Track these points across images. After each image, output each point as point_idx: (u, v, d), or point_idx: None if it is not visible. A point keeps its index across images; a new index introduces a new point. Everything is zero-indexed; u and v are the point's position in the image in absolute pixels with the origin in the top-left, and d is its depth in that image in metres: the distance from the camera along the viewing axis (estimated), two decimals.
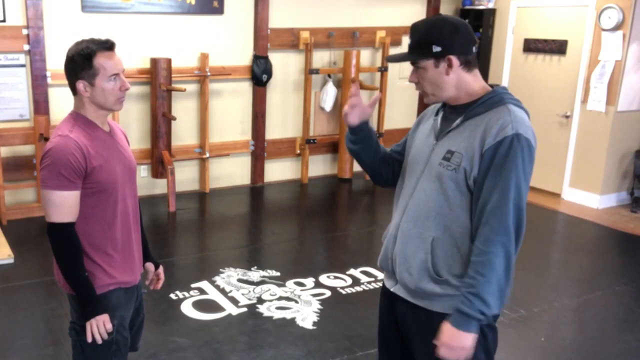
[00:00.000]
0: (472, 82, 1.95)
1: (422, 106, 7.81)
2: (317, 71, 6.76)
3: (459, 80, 1.93)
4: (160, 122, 5.94)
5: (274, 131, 6.92)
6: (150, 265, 2.47)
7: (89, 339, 2.11)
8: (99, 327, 2.11)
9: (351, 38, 7.01)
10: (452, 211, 1.92)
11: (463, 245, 1.91)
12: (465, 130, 1.91)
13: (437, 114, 2.06)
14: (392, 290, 2.09)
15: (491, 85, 1.99)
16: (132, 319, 2.37)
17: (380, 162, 2.18)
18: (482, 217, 1.85)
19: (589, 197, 6.58)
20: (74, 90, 2.12)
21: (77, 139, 2.05)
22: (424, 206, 1.97)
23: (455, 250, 1.92)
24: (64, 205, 2.04)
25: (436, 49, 1.89)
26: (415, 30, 1.95)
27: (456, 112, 1.97)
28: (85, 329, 2.11)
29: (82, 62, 2.05)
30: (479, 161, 1.85)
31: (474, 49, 1.95)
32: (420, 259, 1.96)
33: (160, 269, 2.51)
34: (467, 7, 7.60)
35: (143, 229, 2.41)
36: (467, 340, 1.83)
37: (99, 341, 2.12)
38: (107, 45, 2.08)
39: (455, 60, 1.89)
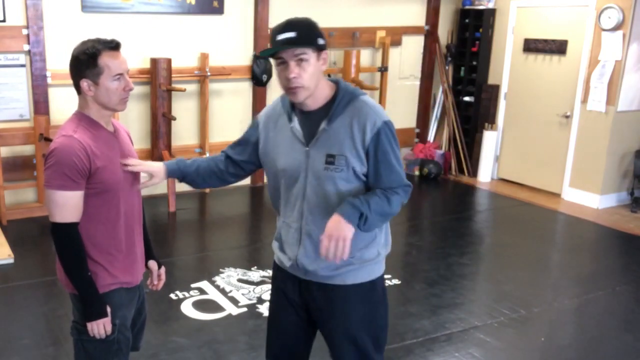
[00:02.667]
0: (326, 84, 2.10)
1: (422, 106, 7.81)
2: None
3: (321, 78, 2.06)
4: (160, 122, 5.94)
5: None
6: (153, 264, 2.47)
7: (91, 334, 2.13)
8: (99, 329, 2.12)
9: (351, 38, 7.01)
10: (344, 200, 2.06)
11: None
12: (337, 133, 2.06)
13: (290, 121, 2.13)
14: (304, 278, 2.22)
15: (334, 82, 2.13)
16: (134, 319, 2.37)
17: (215, 179, 2.34)
18: (384, 185, 2.09)
19: (589, 197, 6.58)
20: (78, 90, 2.13)
21: (81, 139, 2.05)
22: (323, 207, 2.11)
23: (356, 234, 2.04)
24: (68, 206, 2.05)
25: (321, 41, 2.02)
26: (297, 24, 2.05)
27: (314, 116, 2.09)
28: (87, 329, 2.12)
29: (87, 60, 2.06)
30: (366, 156, 2.06)
31: None
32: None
33: (162, 269, 2.51)
34: (467, 7, 7.59)
35: (146, 228, 2.42)
36: (348, 230, 1.98)
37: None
38: (113, 45, 2.09)
39: (326, 56, 2.05)
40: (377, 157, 2.06)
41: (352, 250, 2.06)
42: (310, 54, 2.00)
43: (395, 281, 4.51)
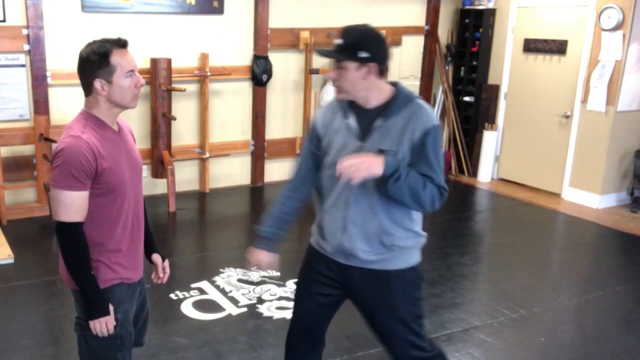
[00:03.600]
0: (382, 86, 2.28)
1: None
2: (317, 71, 6.76)
3: (371, 84, 2.24)
4: (160, 122, 5.94)
5: (274, 131, 6.92)
6: (157, 257, 2.51)
7: (94, 332, 2.16)
8: (102, 327, 2.15)
9: None
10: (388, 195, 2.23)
11: (402, 217, 2.32)
12: (390, 130, 2.24)
13: (346, 117, 2.32)
14: (345, 263, 2.40)
15: (393, 84, 2.32)
16: (137, 314, 2.40)
17: (301, 204, 2.57)
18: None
19: (589, 197, 6.58)
20: (89, 90, 2.14)
21: (89, 140, 2.07)
22: (368, 198, 2.28)
23: (396, 221, 2.30)
24: (73, 205, 2.07)
25: (363, 54, 2.18)
26: (348, 33, 2.23)
27: (371, 114, 2.28)
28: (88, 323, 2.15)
29: (99, 60, 2.08)
30: (410, 152, 2.23)
31: (388, 62, 2.29)
32: (376, 238, 2.31)
33: (167, 262, 2.55)
34: (467, 7, 7.60)
35: (147, 222, 2.44)
36: (376, 167, 2.14)
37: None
38: (121, 43, 2.13)
39: (374, 67, 2.21)
40: (420, 154, 2.22)
41: (393, 239, 2.30)
42: (348, 64, 2.20)
43: None
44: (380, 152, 2.21)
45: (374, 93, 2.27)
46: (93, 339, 2.19)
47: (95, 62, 2.08)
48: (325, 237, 2.43)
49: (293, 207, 2.56)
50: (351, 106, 2.33)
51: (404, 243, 2.36)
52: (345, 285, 2.45)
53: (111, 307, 2.17)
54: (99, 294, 2.14)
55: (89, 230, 2.13)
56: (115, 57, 2.09)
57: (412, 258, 2.42)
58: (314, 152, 2.44)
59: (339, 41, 2.22)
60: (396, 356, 2.49)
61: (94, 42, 2.13)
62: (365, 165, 2.13)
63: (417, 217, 2.40)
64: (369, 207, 2.29)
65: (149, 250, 2.45)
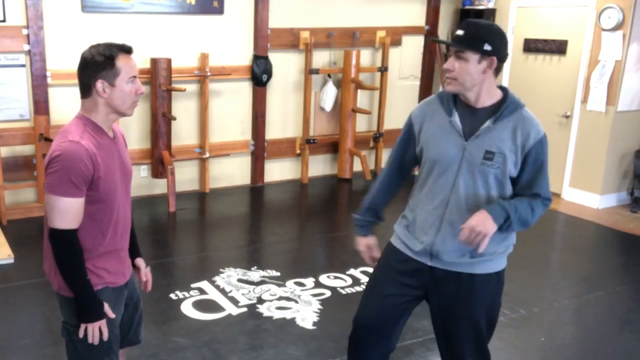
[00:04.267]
0: (493, 85, 2.26)
1: None
2: (317, 71, 6.76)
3: (486, 81, 2.22)
4: (160, 122, 5.94)
5: (274, 131, 6.92)
6: (140, 261, 2.49)
7: (81, 335, 2.14)
8: (95, 331, 2.14)
9: (351, 38, 7.01)
10: (491, 198, 2.26)
11: None
12: (500, 133, 2.23)
13: (450, 115, 2.29)
14: (429, 264, 2.38)
15: (502, 88, 2.32)
16: (131, 314, 2.41)
17: (391, 196, 2.62)
18: (529, 192, 2.27)
19: (589, 197, 6.58)
20: (88, 92, 2.12)
21: (88, 146, 2.06)
22: (471, 200, 2.27)
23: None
24: (70, 212, 2.05)
25: (487, 47, 2.16)
26: (473, 25, 2.23)
27: (480, 114, 2.26)
28: (78, 329, 2.14)
29: (104, 62, 2.07)
30: (522, 159, 2.24)
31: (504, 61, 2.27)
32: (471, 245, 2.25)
33: (148, 268, 2.52)
34: (467, 7, 7.59)
35: (133, 226, 2.45)
36: (491, 228, 2.16)
37: (96, 343, 2.15)
38: (127, 49, 2.13)
39: (495, 62, 2.20)
40: (536, 163, 2.24)
41: (489, 245, 2.24)
42: (469, 55, 2.18)
43: None
44: (489, 153, 2.22)
45: (486, 91, 2.25)
46: (81, 344, 2.18)
47: (101, 63, 2.07)
48: (416, 235, 2.40)
49: (384, 200, 2.60)
50: (456, 104, 2.31)
51: (495, 249, 2.32)
52: (425, 286, 2.42)
53: (107, 308, 2.16)
54: (95, 299, 2.13)
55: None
56: (120, 61, 2.09)
57: (500, 264, 2.38)
58: (407, 147, 2.46)
59: (461, 32, 2.21)
60: None
61: (99, 44, 2.12)
62: (480, 237, 2.16)
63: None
64: (468, 209, 2.26)
65: (132, 254, 2.43)
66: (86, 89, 2.13)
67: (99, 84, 2.08)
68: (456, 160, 2.26)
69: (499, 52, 2.20)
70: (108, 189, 2.13)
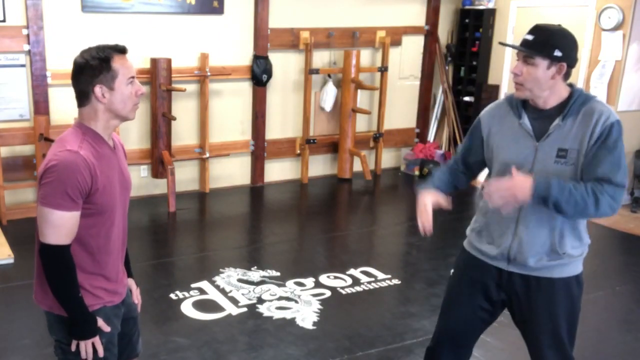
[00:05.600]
0: (563, 88, 2.22)
1: (422, 106, 7.81)
2: (317, 71, 6.76)
3: (556, 85, 2.19)
4: (160, 122, 5.94)
5: (274, 131, 6.92)
6: (132, 282, 2.37)
7: (73, 349, 2.04)
8: (88, 348, 2.04)
9: (351, 38, 7.01)
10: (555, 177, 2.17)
11: (578, 223, 2.28)
12: (570, 128, 2.18)
13: (520, 117, 2.27)
14: (506, 269, 2.35)
15: (569, 85, 2.25)
16: (131, 329, 2.34)
17: (454, 186, 2.56)
18: (593, 174, 2.17)
19: None
20: (86, 99, 2.01)
21: (87, 156, 1.94)
22: None
23: (571, 227, 2.26)
24: (64, 227, 1.93)
25: (557, 53, 2.13)
26: (543, 30, 2.18)
27: (548, 114, 2.22)
28: (70, 346, 2.05)
29: (100, 65, 1.96)
30: (590, 146, 2.16)
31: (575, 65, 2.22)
32: (549, 244, 2.26)
33: (138, 290, 2.41)
34: (467, 7, 7.60)
35: (126, 247, 2.30)
36: (522, 195, 2.10)
37: None
38: (120, 49, 2.02)
39: (564, 68, 2.16)
40: (603, 144, 2.15)
41: (564, 247, 2.25)
42: (538, 61, 2.14)
43: (396, 281, 4.51)
44: (562, 151, 2.18)
45: (555, 94, 2.21)
46: None
47: (96, 67, 1.96)
48: (492, 239, 2.37)
49: (446, 184, 2.53)
50: (524, 106, 2.28)
51: (574, 251, 2.30)
52: (506, 292, 2.39)
53: (102, 323, 2.07)
54: (88, 315, 2.02)
55: (72, 252, 1.99)
56: (117, 63, 1.98)
57: (577, 267, 2.35)
58: (472, 148, 2.45)
59: (529, 37, 2.17)
60: None
61: (91, 48, 2.01)
62: (511, 192, 2.10)
63: (585, 224, 2.36)
64: (543, 210, 2.19)
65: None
66: (84, 96, 2.01)
67: (97, 89, 1.97)
68: (528, 161, 2.23)
69: (569, 58, 2.16)
70: (106, 202, 2.02)
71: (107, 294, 2.13)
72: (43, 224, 1.94)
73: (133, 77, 2.04)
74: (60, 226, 1.93)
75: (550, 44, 2.13)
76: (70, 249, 1.99)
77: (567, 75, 2.20)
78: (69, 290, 1.99)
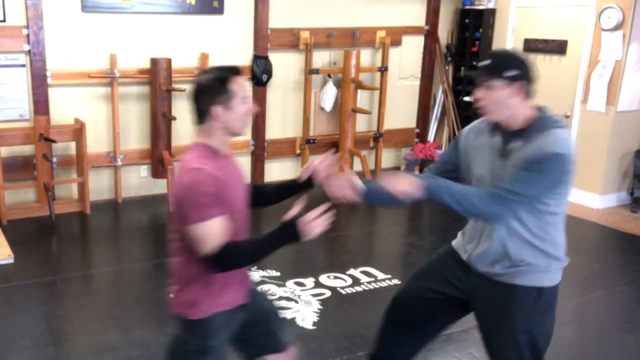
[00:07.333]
0: (527, 107, 2.28)
1: (422, 106, 7.81)
2: (317, 71, 6.76)
3: (517, 105, 2.25)
4: (160, 122, 5.94)
5: (274, 131, 6.92)
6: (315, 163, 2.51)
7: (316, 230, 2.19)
8: (314, 229, 2.18)
9: (351, 38, 7.01)
10: (520, 216, 2.29)
11: (533, 236, 2.32)
12: (525, 152, 2.23)
13: (492, 136, 2.37)
14: (476, 271, 2.47)
15: (538, 109, 2.32)
16: (264, 329, 2.45)
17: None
18: (501, 183, 2.26)
19: (589, 197, 6.58)
20: (204, 118, 2.16)
21: (211, 171, 2.09)
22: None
23: (524, 240, 2.33)
24: (216, 232, 2.07)
25: (512, 73, 2.22)
26: (496, 54, 2.35)
27: (515, 135, 2.29)
28: (198, 348, 2.22)
29: (219, 86, 2.13)
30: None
31: (534, 84, 2.30)
32: (504, 252, 2.35)
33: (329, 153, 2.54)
34: (467, 7, 7.60)
35: (264, 186, 2.60)
36: (411, 187, 2.24)
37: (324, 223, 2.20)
38: (237, 71, 2.19)
39: (524, 86, 2.24)
40: (527, 163, 2.19)
41: (519, 254, 2.32)
42: (495, 83, 2.24)
43: (396, 281, 4.51)
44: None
45: (519, 115, 2.27)
46: None
47: (215, 89, 2.13)
48: (465, 244, 2.53)
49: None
50: (497, 126, 2.37)
51: (533, 260, 2.35)
52: (469, 292, 2.49)
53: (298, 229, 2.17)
54: (279, 240, 2.16)
55: (199, 264, 2.14)
56: (233, 84, 2.14)
57: (541, 279, 2.39)
58: (451, 160, 2.56)
59: (485, 62, 2.29)
60: None
61: (211, 69, 2.21)
62: (399, 185, 2.24)
63: (555, 239, 2.37)
64: (500, 225, 2.32)
65: (287, 185, 2.58)
66: (202, 115, 2.17)
67: (217, 109, 2.13)
68: (494, 176, 2.32)
69: (523, 77, 2.24)
70: (233, 209, 2.17)
71: (225, 297, 2.25)
72: (198, 241, 2.08)
73: (245, 97, 2.19)
74: (215, 233, 2.07)
75: (504, 65, 2.24)
76: (195, 259, 2.14)
77: (527, 94, 2.27)
78: (261, 256, 2.19)
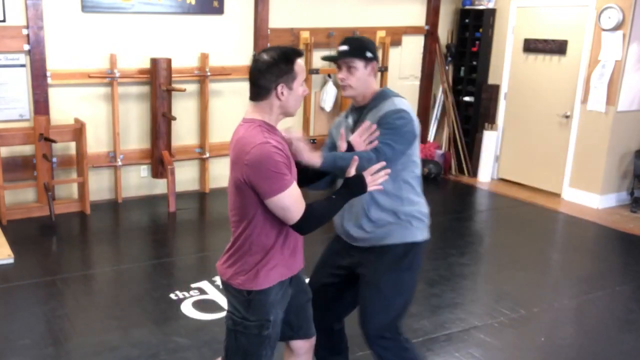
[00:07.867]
0: (375, 85, 2.66)
1: (422, 106, 7.82)
2: (317, 71, 6.76)
3: (372, 82, 2.63)
4: (160, 122, 5.94)
5: None
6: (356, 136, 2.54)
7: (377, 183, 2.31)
8: (376, 179, 2.29)
9: None
10: None
11: (383, 198, 2.60)
12: (370, 118, 2.56)
13: (347, 117, 2.72)
14: (351, 244, 2.75)
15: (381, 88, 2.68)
16: (304, 306, 2.53)
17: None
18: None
19: (589, 197, 6.58)
20: (265, 95, 2.20)
21: (276, 144, 2.16)
22: None
23: (383, 201, 2.61)
24: (297, 201, 2.17)
25: (369, 54, 2.58)
26: (353, 40, 2.64)
27: (360, 111, 2.65)
28: (244, 321, 2.28)
29: (286, 65, 2.17)
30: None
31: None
32: (362, 214, 2.65)
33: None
34: (467, 7, 7.60)
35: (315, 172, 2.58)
36: (315, 158, 2.43)
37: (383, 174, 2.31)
38: (301, 53, 2.25)
39: (375, 66, 2.63)
40: (384, 123, 2.50)
41: (380, 214, 2.60)
42: (357, 63, 2.56)
43: None
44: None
45: (369, 90, 2.63)
46: (243, 335, 2.29)
47: (282, 66, 2.16)
48: (341, 226, 2.77)
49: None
50: (352, 108, 2.71)
51: (394, 219, 2.61)
52: (355, 267, 2.73)
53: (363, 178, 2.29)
54: (349, 192, 2.32)
55: (259, 236, 2.24)
56: (297, 66, 2.19)
57: (406, 236, 2.63)
58: (332, 144, 2.77)
59: (344, 47, 2.58)
60: (365, 333, 2.72)
61: (276, 48, 2.22)
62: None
63: (411, 199, 2.64)
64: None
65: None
66: (264, 92, 2.19)
67: (280, 88, 2.17)
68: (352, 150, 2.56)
69: (376, 58, 2.63)
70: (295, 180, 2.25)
71: (287, 269, 2.33)
72: (284, 211, 2.17)
73: (304, 80, 2.26)
74: (295, 201, 2.17)
75: (362, 48, 2.57)
76: (260, 231, 2.26)
77: (376, 73, 2.65)
78: (334, 211, 2.35)
